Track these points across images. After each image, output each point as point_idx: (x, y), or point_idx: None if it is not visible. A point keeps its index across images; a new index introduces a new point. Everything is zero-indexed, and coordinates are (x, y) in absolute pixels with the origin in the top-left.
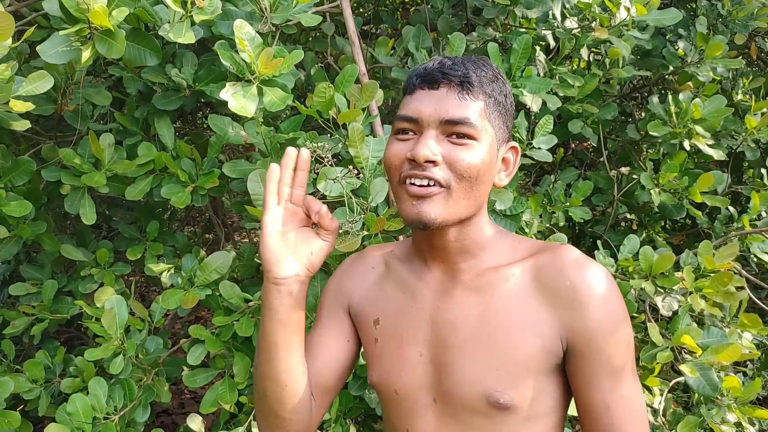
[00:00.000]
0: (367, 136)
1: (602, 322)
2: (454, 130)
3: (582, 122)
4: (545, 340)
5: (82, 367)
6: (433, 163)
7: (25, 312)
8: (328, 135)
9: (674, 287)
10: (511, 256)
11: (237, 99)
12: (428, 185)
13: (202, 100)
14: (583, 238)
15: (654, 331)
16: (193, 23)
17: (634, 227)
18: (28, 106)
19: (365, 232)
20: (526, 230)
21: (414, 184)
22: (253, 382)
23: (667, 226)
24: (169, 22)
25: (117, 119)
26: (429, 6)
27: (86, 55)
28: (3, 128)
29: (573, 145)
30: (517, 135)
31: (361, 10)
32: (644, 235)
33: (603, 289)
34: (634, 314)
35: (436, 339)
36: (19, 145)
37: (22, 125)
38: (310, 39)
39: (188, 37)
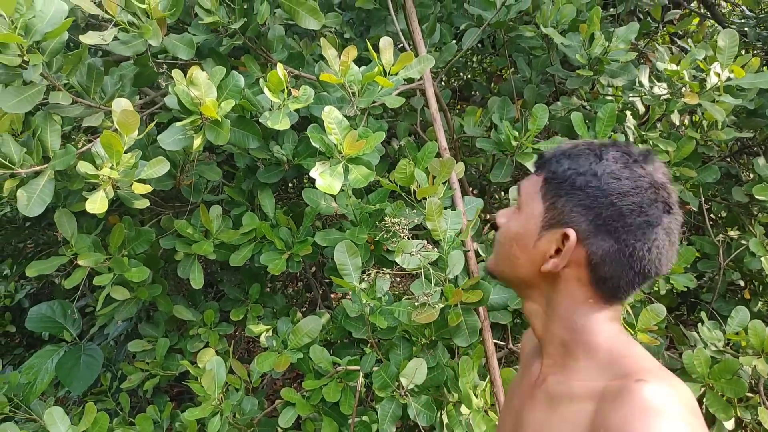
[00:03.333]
0: (446, 208)
1: None
2: None
3: (681, 186)
4: None
5: (186, 424)
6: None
7: (140, 368)
8: (411, 207)
9: None
10: (595, 374)
11: (324, 178)
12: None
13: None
14: (688, 307)
15: (765, 416)
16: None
17: (747, 296)
18: (147, 189)
19: (443, 304)
20: None
21: None
22: None
23: None
24: (270, 110)
25: (226, 192)
26: (518, 75)
27: (197, 142)
28: None
29: None
30: None
31: (461, 75)
32: (760, 304)
33: None
34: (748, 395)
35: None
36: (144, 216)
37: (142, 204)
38: (402, 112)
39: (284, 124)
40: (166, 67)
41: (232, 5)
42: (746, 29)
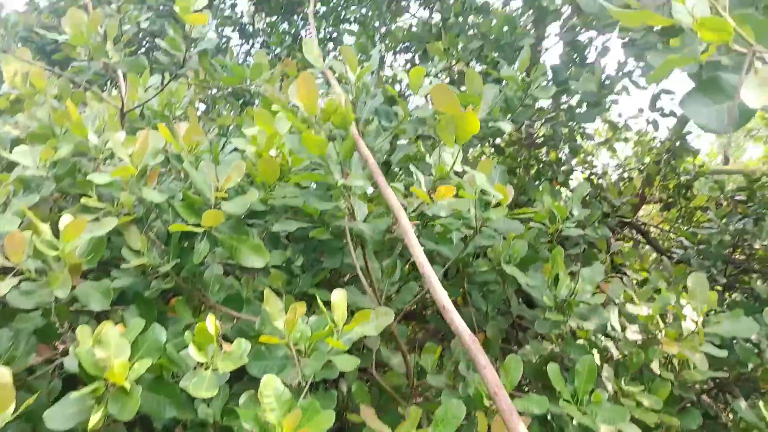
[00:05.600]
0: None
1: None
2: None
3: None
4: None
5: None
6: None
7: None
8: None
9: None
10: None
11: None
12: None
13: None
14: None
15: None
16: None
17: None
18: None
19: None
20: None
21: None
22: None
23: None
24: (195, 369)
25: None
26: (469, 307)
27: (95, 418)
28: None
29: None
30: None
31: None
32: None
33: None
34: None
35: None
36: None
37: None
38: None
39: (209, 391)
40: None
41: (165, 246)
42: (690, 260)
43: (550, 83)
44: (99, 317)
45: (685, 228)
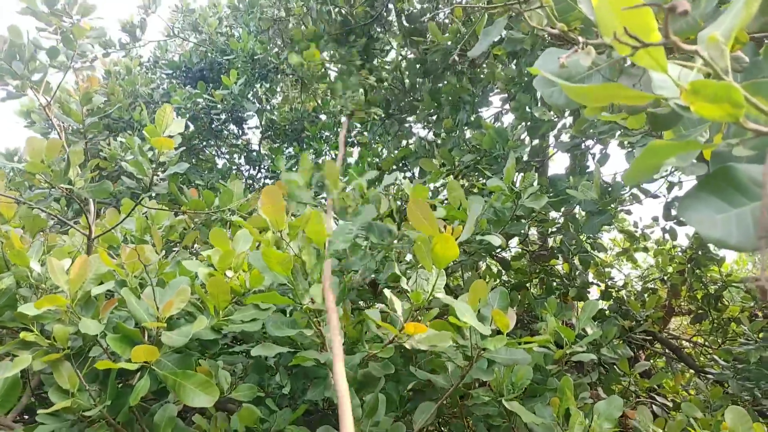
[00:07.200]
0: None
1: None
2: None
3: None
4: None
5: None
6: None
7: None
8: None
9: None
10: None
11: None
12: None
13: None
14: None
15: None
16: None
17: None
18: None
19: None
20: None
21: None
22: None
23: None
24: None
25: None
26: None
27: None
28: None
29: None
30: None
31: None
32: None
33: None
34: None
35: None
36: None
37: None
38: None
39: None
40: None
41: (101, 387)
42: (728, 381)
43: (550, 193)
44: None
45: (720, 341)
